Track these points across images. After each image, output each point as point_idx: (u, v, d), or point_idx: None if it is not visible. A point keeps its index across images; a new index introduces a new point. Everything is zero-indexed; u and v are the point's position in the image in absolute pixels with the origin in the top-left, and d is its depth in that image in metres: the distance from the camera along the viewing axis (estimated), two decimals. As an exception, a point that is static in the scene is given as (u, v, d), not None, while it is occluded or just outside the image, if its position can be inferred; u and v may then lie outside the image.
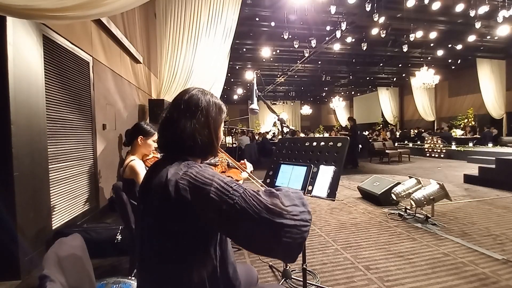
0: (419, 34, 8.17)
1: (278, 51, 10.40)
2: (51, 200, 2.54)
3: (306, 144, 1.72)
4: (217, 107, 0.88)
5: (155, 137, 2.09)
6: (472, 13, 6.75)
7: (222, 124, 0.93)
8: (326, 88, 18.84)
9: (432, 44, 9.86)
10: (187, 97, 0.85)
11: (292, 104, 22.28)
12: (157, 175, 0.77)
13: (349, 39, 9.04)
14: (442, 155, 9.85)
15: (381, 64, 12.60)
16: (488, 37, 9.35)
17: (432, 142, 10.43)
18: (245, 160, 1.54)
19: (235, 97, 18.94)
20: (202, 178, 0.70)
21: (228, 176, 1.45)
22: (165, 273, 0.75)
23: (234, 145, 8.89)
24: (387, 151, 9.18)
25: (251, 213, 0.65)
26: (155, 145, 2.10)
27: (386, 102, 18.38)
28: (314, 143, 1.69)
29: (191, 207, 0.69)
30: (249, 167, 1.51)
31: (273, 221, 0.65)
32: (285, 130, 2.00)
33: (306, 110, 20.75)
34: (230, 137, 11.44)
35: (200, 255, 0.76)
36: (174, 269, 0.74)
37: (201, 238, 0.75)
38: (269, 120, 20.56)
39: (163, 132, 0.86)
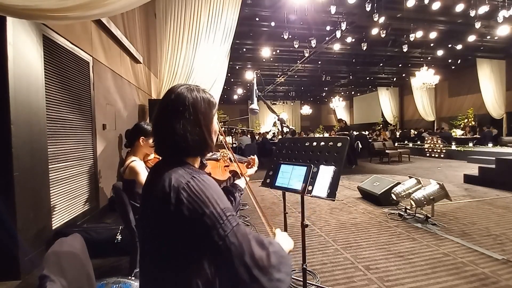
0: (419, 34, 8.17)
1: (278, 51, 10.40)
2: (51, 200, 2.54)
3: (306, 144, 1.73)
4: (206, 102, 0.85)
5: None
6: (472, 13, 6.75)
7: (215, 118, 0.89)
8: (326, 88, 18.84)
9: (432, 44, 9.86)
10: (173, 97, 0.82)
11: (292, 104, 22.28)
12: (158, 179, 0.76)
13: (349, 39, 9.04)
14: (442, 155, 9.84)
15: (381, 64, 12.61)
16: (488, 37, 9.35)
17: (432, 142, 10.43)
18: (255, 156, 1.48)
19: (235, 97, 18.94)
20: (202, 196, 0.69)
21: (233, 171, 1.42)
22: (162, 276, 0.75)
23: (234, 145, 8.88)
24: (387, 151, 9.18)
25: (236, 252, 0.64)
26: None
27: (386, 102, 18.38)
28: (314, 143, 1.69)
29: (187, 220, 0.69)
30: (257, 163, 1.47)
31: (251, 273, 0.63)
32: (285, 130, 2.00)
33: (306, 110, 20.76)
34: (230, 137, 11.42)
35: (194, 264, 0.75)
36: (171, 274, 0.74)
37: (195, 249, 0.73)
38: (269, 120, 20.57)
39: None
